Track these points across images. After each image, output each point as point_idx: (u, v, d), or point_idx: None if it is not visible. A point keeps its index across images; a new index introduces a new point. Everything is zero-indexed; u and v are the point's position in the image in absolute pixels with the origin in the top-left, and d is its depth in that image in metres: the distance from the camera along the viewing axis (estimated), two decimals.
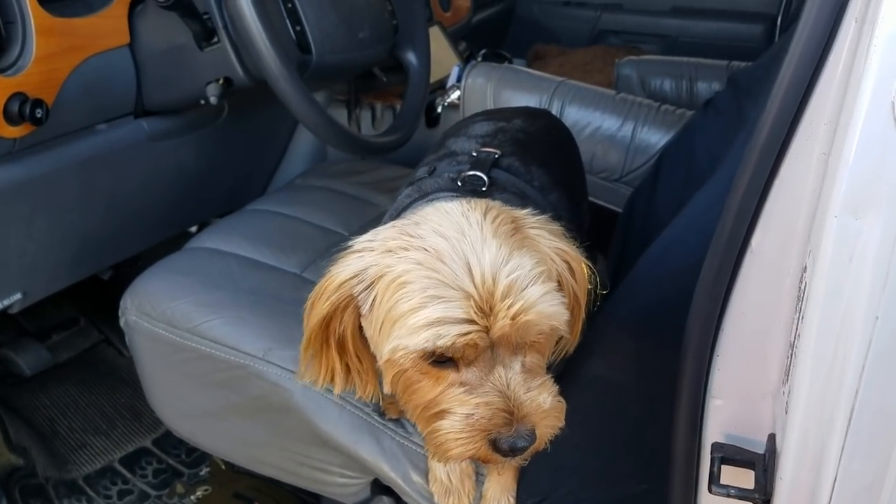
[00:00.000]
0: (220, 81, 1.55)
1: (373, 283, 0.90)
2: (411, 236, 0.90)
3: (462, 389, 0.88)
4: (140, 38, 1.57)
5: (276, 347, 1.35)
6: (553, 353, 1.00)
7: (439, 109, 2.22)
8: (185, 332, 1.40)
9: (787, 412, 0.79)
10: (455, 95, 2.16)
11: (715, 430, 0.89)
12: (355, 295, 0.91)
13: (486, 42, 3.16)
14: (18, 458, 1.88)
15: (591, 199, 1.88)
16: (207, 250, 1.58)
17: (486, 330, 0.85)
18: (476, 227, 0.89)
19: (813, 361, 0.73)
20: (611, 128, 1.83)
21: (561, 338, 0.98)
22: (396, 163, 1.99)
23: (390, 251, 0.90)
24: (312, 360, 0.97)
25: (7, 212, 1.42)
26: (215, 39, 1.53)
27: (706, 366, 0.87)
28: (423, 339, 0.84)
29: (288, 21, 1.50)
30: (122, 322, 1.50)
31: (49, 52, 1.38)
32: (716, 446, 0.88)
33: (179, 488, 1.99)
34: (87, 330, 2.22)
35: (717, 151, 1.43)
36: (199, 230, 2.15)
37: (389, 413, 1.30)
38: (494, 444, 0.86)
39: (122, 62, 1.57)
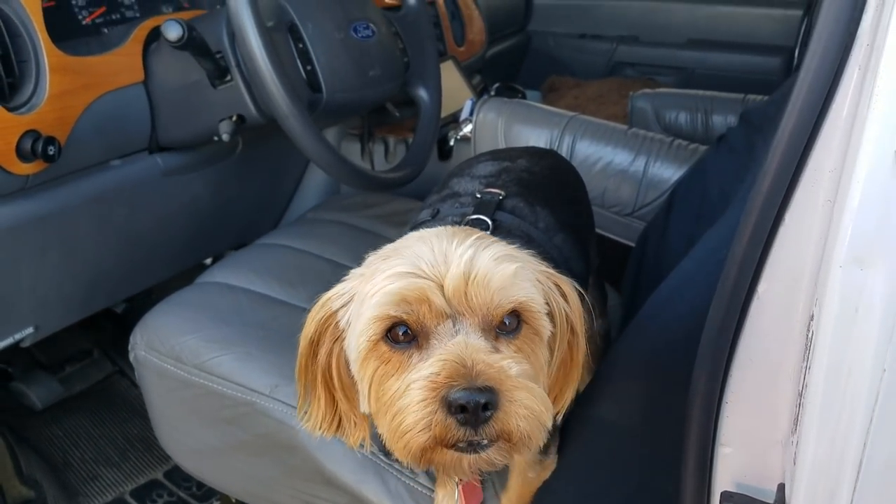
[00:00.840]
0: (234, 118, 1.57)
1: (352, 297, 0.89)
2: (391, 249, 0.89)
3: (421, 362, 0.82)
4: (154, 75, 1.59)
5: (282, 384, 1.34)
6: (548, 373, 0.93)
7: (452, 143, 2.22)
8: (193, 367, 1.40)
9: (795, 463, 0.77)
10: (468, 129, 2.17)
11: (724, 478, 0.86)
12: (336, 311, 0.90)
13: (500, 75, 3.18)
14: (30, 490, 1.88)
15: (603, 233, 1.88)
16: (217, 285, 1.59)
17: (440, 286, 0.81)
18: (453, 234, 0.88)
19: (820, 413, 0.71)
20: (622, 162, 1.83)
21: (552, 357, 0.93)
22: (408, 195, 1.99)
23: (369, 265, 0.89)
24: (306, 397, 0.95)
25: (19, 247, 1.43)
26: (228, 77, 1.54)
27: (714, 413, 0.85)
28: (375, 303, 0.82)
29: (299, 61, 1.51)
30: (131, 357, 1.51)
31: (62, 89, 1.40)
32: (725, 495, 0.85)
33: None
34: (100, 362, 2.23)
35: (729, 189, 1.42)
36: (214, 263, 2.16)
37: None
38: (448, 404, 0.76)
39: (137, 99, 1.59)
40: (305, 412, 0.96)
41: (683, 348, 0.95)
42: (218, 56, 1.53)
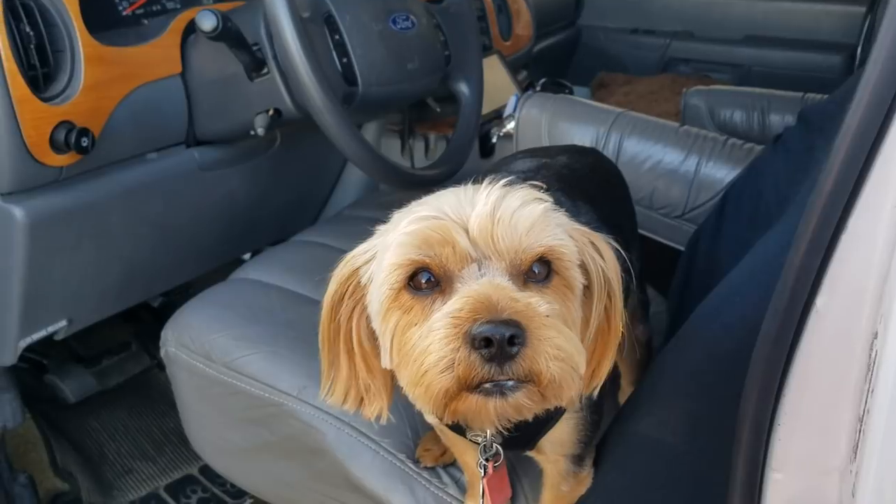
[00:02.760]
0: (270, 112, 1.53)
1: (375, 254, 0.84)
2: (419, 202, 0.84)
3: (444, 304, 0.76)
4: (192, 67, 1.57)
5: (311, 386, 1.30)
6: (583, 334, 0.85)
7: (494, 139, 2.16)
8: (222, 366, 1.37)
9: (854, 495, 0.70)
10: (511, 125, 2.10)
11: None
12: (358, 268, 0.85)
13: (548, 70, 3.11)
14: (64, 482, 1.88)
15: (650, 235, 1.79)
16: (250, 282, 1.56)
17: (465, 227, 0.76)
18: (489, 185, 0.81)
19: (884, 441, 0.64)
20: (673, 162, 1.74)
21: (589, 321, 0.86)
22: None
23: (393, 221, 0.84)
24: (330, 370, 0.90)
25: (53, 239, 1.42)
26: (265, 70, 1.51)
27: (766, 435, 0.79)
28: (395, 250, 0.77)
29: (335, 53, 1.47)
30: (162, 353, 1.49)
31: (98, 80, 1.38)
32: None
33: None
34: (138, 355, 2.23)
35: (786, 192, 1.33)
36: (252, 257, 2.15)
37: (424, 461, 1.23)
38: (472, 341, 0.70)
39: (174, 91, 1.57)
40: (329, 388, 0.91)
41: (733, 363, 0.88)
42: (255, 48, 1.50)
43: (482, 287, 0.74)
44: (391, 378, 0.89)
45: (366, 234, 1.79)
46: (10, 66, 1.25)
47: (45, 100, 1.31)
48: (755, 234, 1.41)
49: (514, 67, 2.56)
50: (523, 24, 2.69)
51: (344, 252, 1.65)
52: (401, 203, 1.92)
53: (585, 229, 0.85)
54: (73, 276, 1.51)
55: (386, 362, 0.84)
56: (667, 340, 1.57)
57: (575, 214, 0.98)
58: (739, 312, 0.91)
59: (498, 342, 0.70)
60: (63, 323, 1.54)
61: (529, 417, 0.79)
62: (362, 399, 0.90)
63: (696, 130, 1.77)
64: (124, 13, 1.58)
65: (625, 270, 0.88)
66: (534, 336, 0.71)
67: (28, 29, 1.27)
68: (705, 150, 1.71)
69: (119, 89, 1.44)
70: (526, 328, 0.71)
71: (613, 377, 1.24)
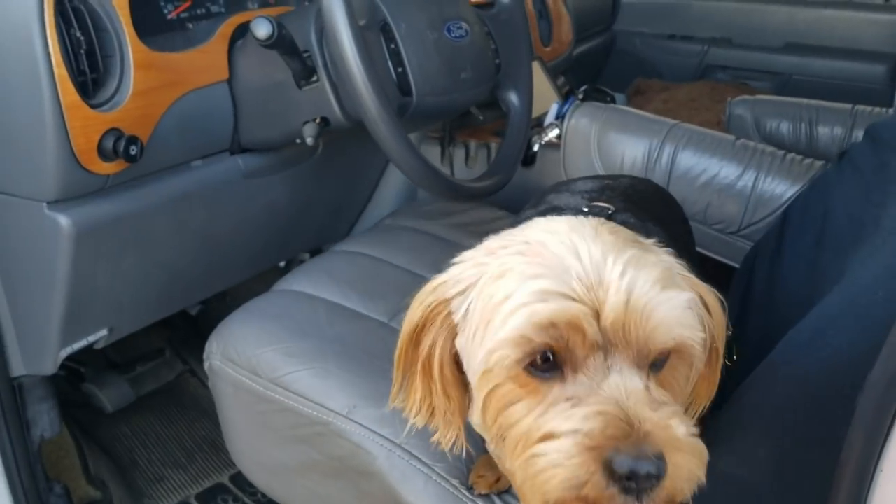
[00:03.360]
0: (318, 121, 1.50)
1: (469, 286, 0.78)
2: (514, 236, 0.80)
3: (569, 404, 0.71)
4: (239, 74, 1.54)
5: (361, 405, 1.26)
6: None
7: (535, 148, 2.11)
8: (269, 382, 1.33)
9: None
10: (553, 134, 2.05)
11: None
12: (449, 299, 0.80)
13: (584, 76, 3.06)
14: (96, 490, 1.86)
15: (704, 251, 1.74)
16: (295, 293, 1.52)
17: (596, 313, 0.70)
18: (589, 227, 0.78)
19: None
20: (729, 176, 1.68)
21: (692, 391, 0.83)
22: (490, 203, 1.90)
23: (491, 252, 0.79)
24: (402, 385, 0.86)
25: (98, 248, 1.39)
26: (314, 78, 1.47)
27: (868, 482, 0.74)
28: (517, 324, 0.71)
29: (390, 62, 1.43)
30: (206, 366, 1.46)
31: (147, 86, 1.35)
32: None
33: None
34: (171, 361, 2.21)
35: (860, 212, 1.27)
36: (287, 266, 2.11)
37: (478, 488, 1.19)
38: (610, 469, 0.66)
39: (221, 98, 1.53)
40: (400, 397, 0.87)
41: (826, 402, 0.83)
42: (305, 55, 1.46)
43: (616, 395, 0.69)
44: (466, 407, 0.85)
45: (407, 244, 1.76)
46: (61, 72, 1.21)
47: (93, 106, 1.28)
48: (822, 254, 1.35)
49: (553, 74, 2.52)
50: (564, 29, 2.64)
51: (386, 262, 1.62)
52: (442, 214, 1.87)
53: (695, 279, 0.81)
54: (116, 285, 1.48)
55: (475, 418, 0.80)
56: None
57: (646, 235, 0.94)
58: (834, 346, 0.85)
59: (642, 478, 0.66)
60: (104, 332, 1.51)
61: None
62: (432, 414, 0.86)
63: (754, 144, 1.71)
64: (169, 17, 1.55)
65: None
66: (673, 465, 0.68)
67: (78, 33, 1.24)
68: (763, 165, 1.66)
69: (167, 96, 1.41)
70: (667, 459, 0.68)
71: None
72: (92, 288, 1.42)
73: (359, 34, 1.25)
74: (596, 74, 3.53)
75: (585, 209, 1.02)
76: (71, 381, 1.92)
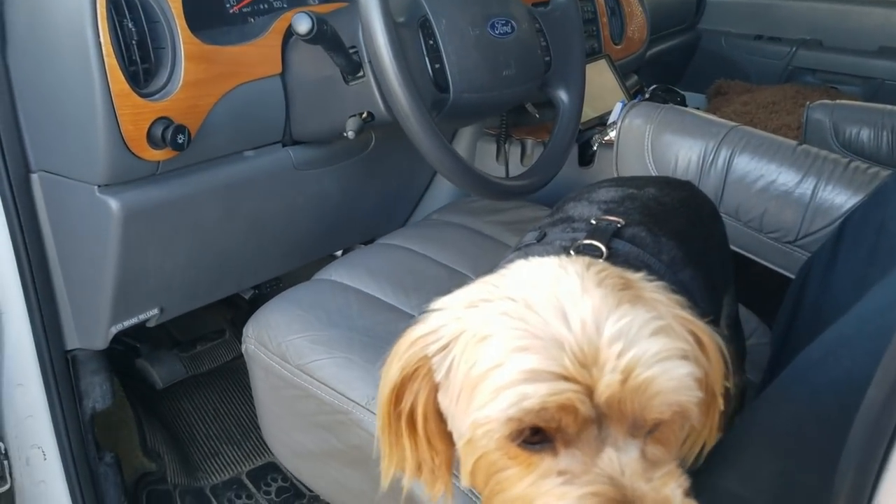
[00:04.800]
0: (364, 115, 1.52)
1: (450, 342, 0.74)
2: (496, 287, 0.75)
3: (561, 479, 0.67)
4: (291, 68, 1.57)
5: None
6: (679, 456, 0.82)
7: (595, 147, 2.07)
8: (296, 368, 1.37)
9: None
10: (613, 133, 2.01)
11: None
12: (430, 356, 0.76)
13: (662, 76, 2.98)
14: (151, 462, 1.95)
15: (759, 259, 1.67)
16: (332, 283, 1.55)
17: (589, 390, 0.66)
18: (575, 276, 0.72)
19: None
20: (788, 182, 1.60)
21: (688, 436, 0.81)
22: (540, 202, 1.87)
23: (472, 305, 0.75)
24: (391, 454, 0.83)
25: (148, 231, 1.45)
26: (361, 73, 1.49)
27: None
28: (505, 404, 0.66)
29: (427, 58, 1.43)
30: (243, 349, 1.51)
31: (198, 78, 1.40)
32: None
33: None
34: (231, 342, 2.29)
35: None
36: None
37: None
38: None
39: (273, 92, 1.58)
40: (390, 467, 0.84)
41: (835, 423, 0.78)
42: (352, 51, 1.48)
43: (609, 469, 0.66)
44: (454, 458, 0.81)
45: (451, 240, 1.75)
46: (111, 62, 1.27)
47: (144, 95, 1.34)
48: (873, 270, 1.27)
49: (624, 72, 2.46)
50: (637, 27, 2.58)
51: (426, 257, 1.63)
52: (490, 211, 1.86)
53: (690, 318, 0.76)
54: (166, 267, 1.54)
55: (464, 481, 0.76)
56: (766, 376, 1.45)
57: (656, 252, 0.90)
58: (845, 367, 0.80)
59: None
60: (155, 312, 1.58)
61: None
62: (421, 468, 0.83)
63: (816, 150, 1.62)
64: (231, 10, 1.59)
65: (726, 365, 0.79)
66: None
67: (130, 24, 1.30)
68: (824, 172, 1.57)
69: (219, 87, 1.45)
70: None
71: None
72: (142, 269, 1.49)
73: (392, 30, 1.26)
74: (679, 74, 3.43)
75: (594, 221, 0.99)
76: (128, 355, 2.02)
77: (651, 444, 0.70)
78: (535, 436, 0.68)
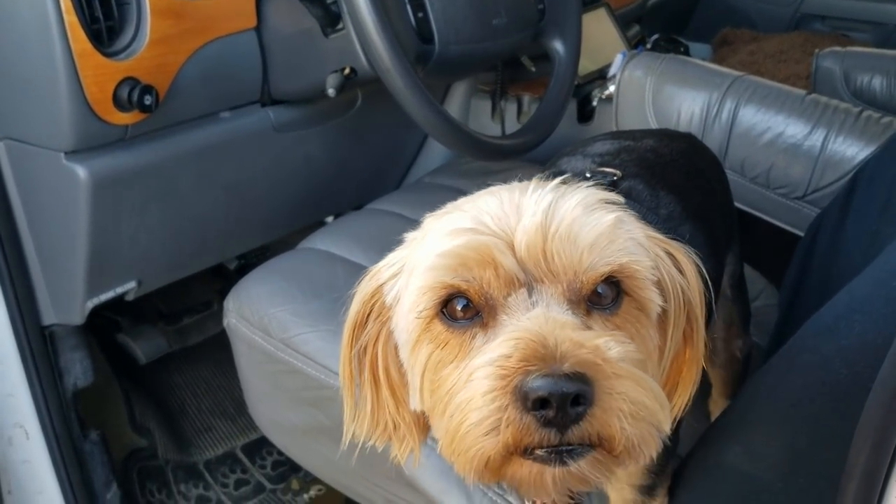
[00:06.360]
0: (346, 71, 1.43)
1: (402, 267, 0.72)
2: (454, 206, 0.72)
3: (483, 340, 0.64)
4: (267, 21, 1.48)
5: None
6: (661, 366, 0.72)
7: (594, 102, 1.98)
8: (279, 342, 1.30)
9: None
10: (614, 87, 1.91)
11: None
12: (383, 284, 0.73)
13: (666, 25, 2.86)
14: (141, 438, 1.90)
15: (766, 217, 1.59)
16: (317, 252, 1.48)
17: (510, 244, 0.62)
18: (534, 185, 0.68)
19: None
20: (796, 135, 1.51)
21: (665, 345, 0.72)
22: (537, 161, 1.79)
23: (424, 228, 0.73)
24: (353, 405, 0.78)
25: (119, 199, 1.38)
26: (340, 26, 1.40)
27: (878, 494, 0.63)
28: (425, 269, 0.65)
29: (409, 6, 1.34)
30: (224, 323, 1.44)
31: (165, 34, 1.31)
32: None
33: (295, 484, 1.95)
34: (219, 314, 2.23)
35: None
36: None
37: None
38: (524, 396, 0.56)
39: (248, 47, 1.49)
40: (354, 423, 0.79)
41: (847, 394, 0.72)
42: (330, 1, 1.39)
43: (534, 323, 0.60)
44: (423, 415, 0.76)
45: (441, 204, 1.68)
46: (71, 19, 1.19)
47: (108, 55, 1.25)
48: (887, 227, 1.19)
49: (624, 22, 2.35)
50: None
51: (416, 222, 1.55)
52: (484, 172, 1.78)
53: (662, 237, 0.70)
54: (142, 238, 1.47)
55: (415, 403, 0.71)
56: (773, 340, 1.38)
57: (654, 206, 0.83)
58: (858, 334, 0.73)
59: (558, 402, 0.56)
60: (132, 284, 1.52)
61: (597, 486, 0.65)
62: (390, 436, 0.79)
63: (826, 100, 1.53)
64: None
65: (703, 283, 0.72)
66: (604, 390, 0.57)
67: None
68: (835, 123, 1.48)
69: (188, 44, 1.37)
70: (594, 381, 0.57)
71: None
72: (116, 239, 1.42)
73: None
74: (683, 23, 3.31)
75: (588, 174, 0.92)
76: (109, 331, 1.96)
77: (602, 322, 0.65)
78: (464, 311, 0.65)
